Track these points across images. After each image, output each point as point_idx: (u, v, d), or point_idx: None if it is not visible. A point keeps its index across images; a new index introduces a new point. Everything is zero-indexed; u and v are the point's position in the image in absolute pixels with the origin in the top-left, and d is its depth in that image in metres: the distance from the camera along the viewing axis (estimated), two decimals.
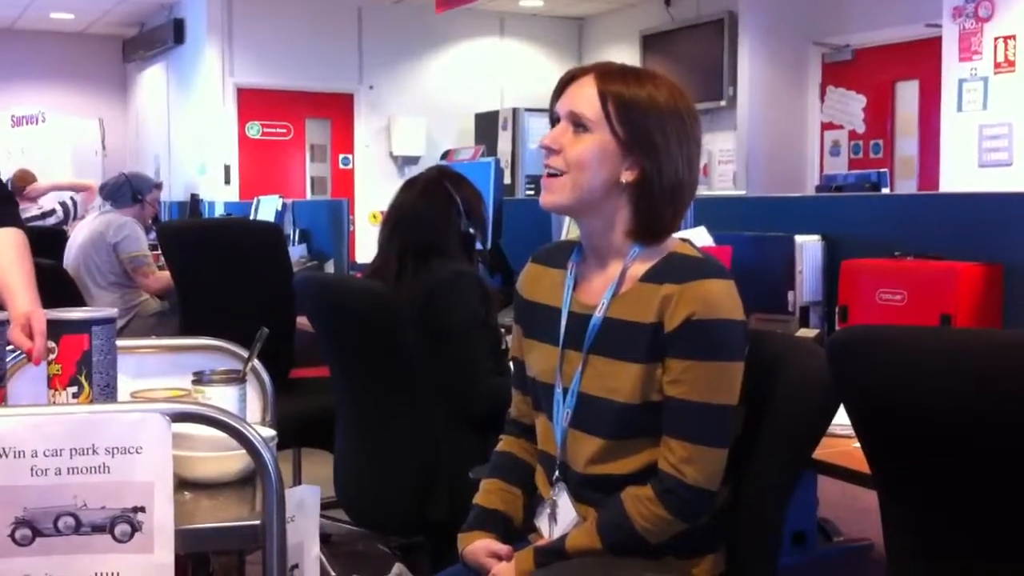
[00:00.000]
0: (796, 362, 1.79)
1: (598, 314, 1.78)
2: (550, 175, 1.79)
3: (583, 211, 1.81)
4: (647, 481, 1.73)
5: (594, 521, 1.76)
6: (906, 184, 7.82)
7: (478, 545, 1.88)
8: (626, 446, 1.76)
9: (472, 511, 1.95)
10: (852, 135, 8.39)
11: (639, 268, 1.78)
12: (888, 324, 2.54)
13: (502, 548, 1.86)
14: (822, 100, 8.55)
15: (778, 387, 1.78)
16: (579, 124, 1.76)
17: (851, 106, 8.37)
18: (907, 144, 8.03)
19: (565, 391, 1.81)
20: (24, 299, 1.86)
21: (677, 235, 1.85)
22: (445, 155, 7.22)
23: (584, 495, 1.81)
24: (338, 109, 10.34)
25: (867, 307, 2.72)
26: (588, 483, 1.79)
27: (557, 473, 1.83)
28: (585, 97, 1.76)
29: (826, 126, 8.57)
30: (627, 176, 1.76)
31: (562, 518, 1.83)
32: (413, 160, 10.19)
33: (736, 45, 8.78)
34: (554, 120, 1.82)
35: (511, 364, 2.03)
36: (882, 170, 6.36)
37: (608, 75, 1.78)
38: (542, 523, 1.87)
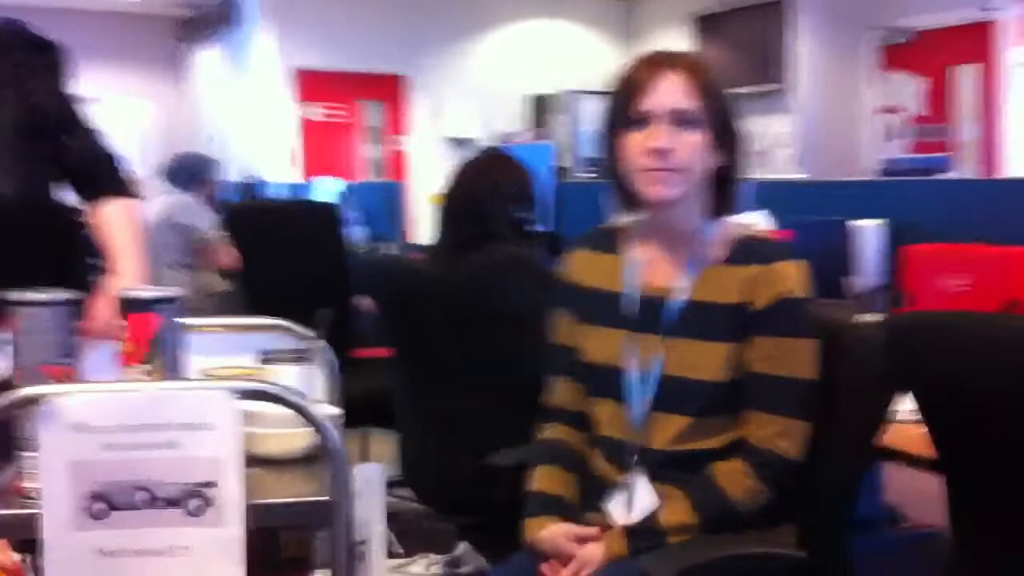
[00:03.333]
0: (856, 346, 1.80)
1: (681, 297, 1.83)
2: (662, 170, 1.81)
3: (683, 201, 1.85)
4: (730, 456, 1.79)
5: (685, 498, 1.79)
6: (964, 169, 7.70)
7: (556, 530, 1.86)
8: (712, 424, 1.82)
9: (534, 497, 1.93)
10: (909, 119, 8.27)
11: (715, 250, 1.84)
12: (948, 309, 2.51)
13: (588, 530, 1.84)
14: (879, 83, 8.44)
15: (841, 369, 1.80)
16: (684, 121, 1.80)
17: (908, 90, 8.25)
18: (966, 128, 7.90)
19: (643, 374, 1.83)
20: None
21: (733, 219, 1.90)
22: (499, 138, 7.23)
23: (665, 475, 1.83)
24: (391, 91, 10.37)
25: (930, 293, 2.69)
26: (671, 462, 1.82)
27: (636, 456, 1.84)
28: (686, 92, 1.80)
29: (882, 109, 8.46)
30: (716, 163, 1.83)
31: (639, 500, 1.83)
32: (467, 142, 10.20)
33: (792, 27, 8.68)
34: (642, 118, 1.81)
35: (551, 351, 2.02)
36: (946, 154, 6.27)
37: (697, 68, 1.83)
38: (615, 507, 1.86)
